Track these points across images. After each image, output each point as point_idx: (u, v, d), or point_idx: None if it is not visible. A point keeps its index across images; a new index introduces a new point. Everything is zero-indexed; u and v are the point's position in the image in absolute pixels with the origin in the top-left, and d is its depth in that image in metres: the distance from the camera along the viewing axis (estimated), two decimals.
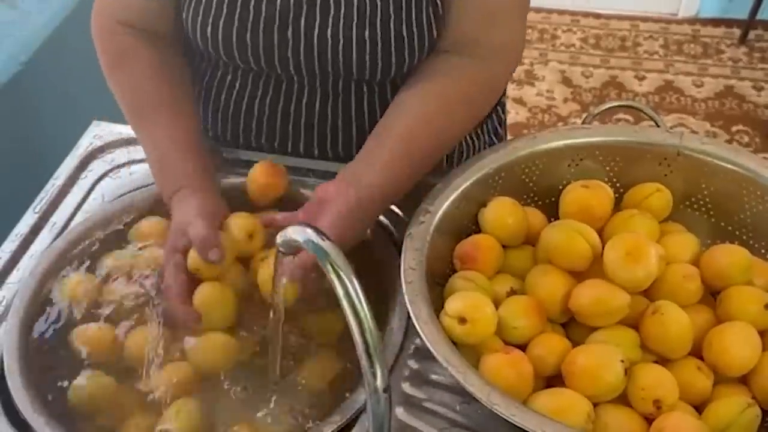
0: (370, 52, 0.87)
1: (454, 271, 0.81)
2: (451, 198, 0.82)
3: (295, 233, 0.60)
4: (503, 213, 0.83)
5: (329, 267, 0.56)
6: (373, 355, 0.55)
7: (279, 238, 0.63)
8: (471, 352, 0.74)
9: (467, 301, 0.74)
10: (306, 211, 0.82)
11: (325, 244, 0.57)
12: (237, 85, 0.98)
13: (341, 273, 0.56)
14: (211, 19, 0.88)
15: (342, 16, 0.85)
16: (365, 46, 0.86)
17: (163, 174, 0.88)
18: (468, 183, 0.83)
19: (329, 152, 0.99)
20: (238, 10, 0.87)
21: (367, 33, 0.86)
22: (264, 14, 0.87)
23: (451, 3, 0.87)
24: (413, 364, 0.78)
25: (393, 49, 0.87)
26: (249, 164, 0.92)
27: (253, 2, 0.86)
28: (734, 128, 2.51)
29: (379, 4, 0.85)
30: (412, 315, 0.71)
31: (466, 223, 0.85)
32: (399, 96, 0.88)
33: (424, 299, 0.72)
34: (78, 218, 0.95)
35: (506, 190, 0.86)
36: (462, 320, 0.72)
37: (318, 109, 0.96)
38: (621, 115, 2.44)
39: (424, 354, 0.77)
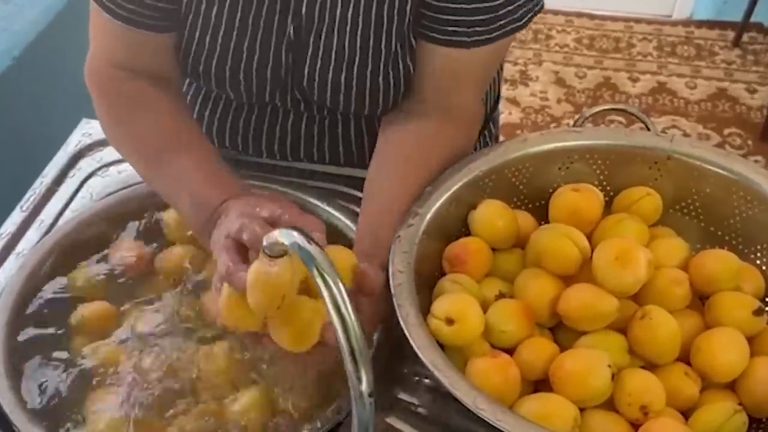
0: (344, 93, 0.87)
1: (444, 274, 0.81)
2: (441, 200, 0.81)
3: (282, 236, 0.60)
4: (493, 215, 0.83)
5: (315, 271, 0.56)
6: (358, 360, 0.54)
7: (265, 241, 0.63)
8: (458, 356, 0.73)
9: (454, 301, 0.74)
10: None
11: (312, 248, 0.57)
12: (221, 103, 0.99)
13: (327, 277, 0.55)
14: (203, 58, 0.88)
15: (320, 57, 0.86)
16: (340, 88, 0.87)
17: (197, 206, 0.79)
18: (458, 185, 0.83)
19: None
20: (231, 51, 0.86)
21: (343, 76, 0.86)
22: (257, 55, 0.86)
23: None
24: (402, 367, 0.78)
25: (367, 94, 0.87)
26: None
27: (246, 44, 0.86)
28: (727, 131, 2.52)
29: (358, 52, 0.85)
30: (399, 318, 0.70)
31: (455, 225, 0.84)
32: (375, 164, 0.87)
33: (412, 302, 0.72)
34: (66, 216, 0.95)
35: (496, 192, 0.85)
36: (449, 321, 0.72)
37: (304, 130, 0.98)
38: (613, 117, 2.45)
39: (412, 358, 0.77)
